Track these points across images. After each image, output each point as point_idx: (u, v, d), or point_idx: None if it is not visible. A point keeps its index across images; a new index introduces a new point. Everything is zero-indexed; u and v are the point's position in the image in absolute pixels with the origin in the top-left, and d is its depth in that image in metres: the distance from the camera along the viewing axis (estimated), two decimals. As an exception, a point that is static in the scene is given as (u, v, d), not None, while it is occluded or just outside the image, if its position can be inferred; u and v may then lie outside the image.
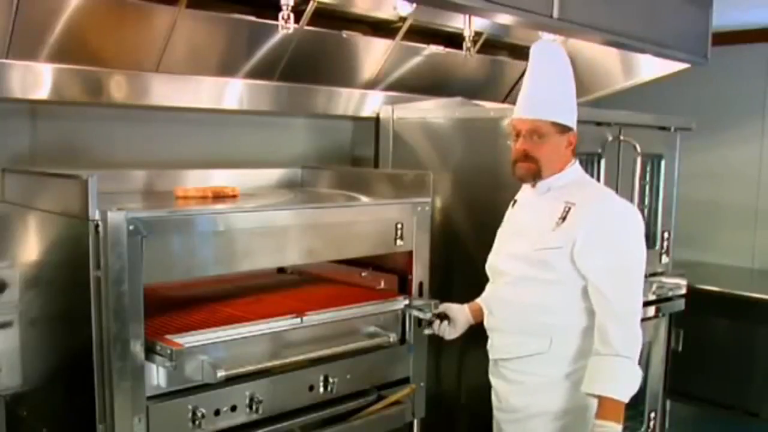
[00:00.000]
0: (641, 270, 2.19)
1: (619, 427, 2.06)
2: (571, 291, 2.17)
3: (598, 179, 3.07)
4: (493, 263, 2.36)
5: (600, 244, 2.13)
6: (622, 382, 2.08)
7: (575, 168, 2.27)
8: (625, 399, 2.07)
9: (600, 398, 2.08)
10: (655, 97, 3.96)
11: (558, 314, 2.19)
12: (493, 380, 2.35)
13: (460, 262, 2.94)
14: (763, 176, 4.47)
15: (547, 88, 2.19)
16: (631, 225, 2.19)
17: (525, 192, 2.34)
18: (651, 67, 3.71)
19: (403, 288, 2.64)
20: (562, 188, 2.22)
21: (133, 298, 1.90)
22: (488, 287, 2.41)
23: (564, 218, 2.16)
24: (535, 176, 2.23)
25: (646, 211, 3.44)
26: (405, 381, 2.60)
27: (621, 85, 3.85)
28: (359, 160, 3.46)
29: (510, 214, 2.38)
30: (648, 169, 3.39)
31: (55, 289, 2.15)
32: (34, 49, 2.33)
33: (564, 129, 2.19)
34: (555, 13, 2.77)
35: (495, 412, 2.38)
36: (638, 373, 2.09)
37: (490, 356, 2.35)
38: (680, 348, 3.98)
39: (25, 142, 2.50)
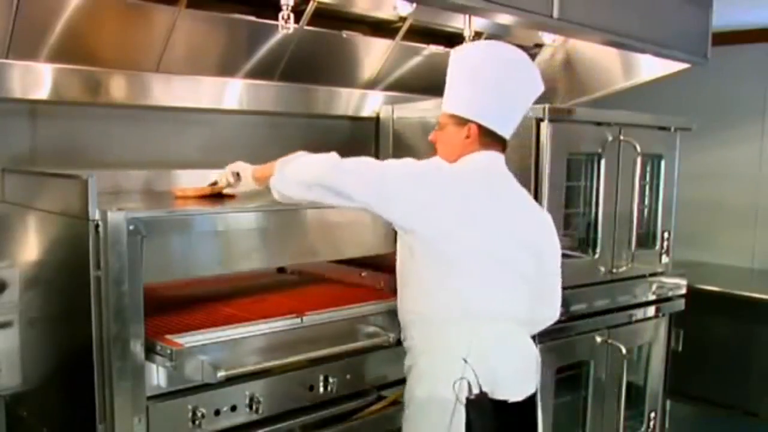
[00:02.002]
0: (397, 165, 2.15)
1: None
2: (408, 277, 2.18)
3: (598, 179, 3.08)
4: None
5: None
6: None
7: (470, 158, 2.20)
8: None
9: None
10: (655, 97, 3.96)
11: (404, 302, 2.22)
12: None
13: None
14: (763, 176, 4.47)
15: (448, 85, 2.25)
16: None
17: None
18: (651, 67, 3.71)
19: (404, 288, 2.64)
20: None
21: (133, 298, 1.89)
22: None
23: None
24: None
25: (646, 211, 3.44)
26: (405, 381, 2.60)
27: (621, 85, 3.85)
28: (359, 160, 3.45)
29: None
30: (648, 169, 3.39)
31: (55, 289, 2.15)
32: (34, 49, 2.33)
33: (461, 121, 2.19)
34: (555, 13, 2.77)
35: None
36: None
37: None
38: (680, 348, 3.99)
39: (25, 142, 2.50)
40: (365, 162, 2.16)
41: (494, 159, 2.21)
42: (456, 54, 2.28)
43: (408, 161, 2.16)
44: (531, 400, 2.19)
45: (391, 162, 2.17)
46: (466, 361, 2.05)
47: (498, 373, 2.08)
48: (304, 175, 2.15)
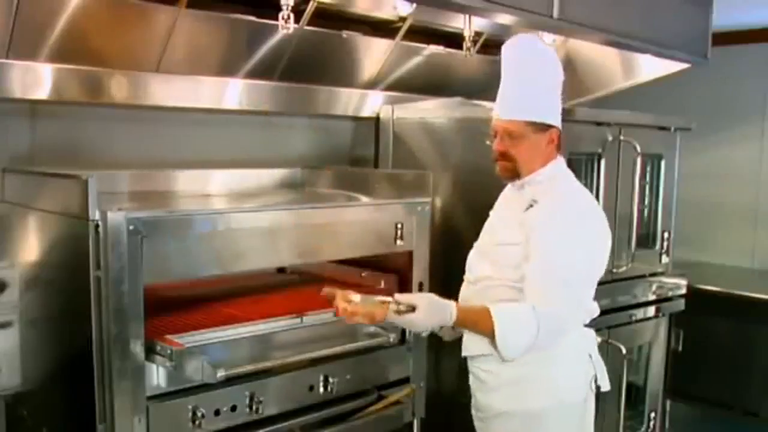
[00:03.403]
0: (583, 259, 2.10)
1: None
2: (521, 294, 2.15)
3: (598, 179, 3.08)
4: (468, 259, 2.37)
5: (544, 226, 2.09)
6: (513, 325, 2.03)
7: (555, 165, 2.22)
8: (497, 336, 2.03)
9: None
10: (655, 97, 3.96)
11: None
12: (470, 377, 2.34)
13: (460, 262, 2.93)
14: (763, 176, 4.47)
15: (519, 87, 2.17)
16: (582, 220, 2.15)
17: (507, 188, 2.34)
18: (651, 67, 3.72)
19: (403, 288, 2.64)
20: (537, 185, 2.20)
21: (133, 298, 1.90)
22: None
23: (526, 214, 2.16)
24: (514, 175, 2.22)
25: (646, 211, 3.44)
26: (405, 381, 2.60)
27: (621, 85, 3.85)
28: (359, 160, 3.46)
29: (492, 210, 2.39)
30: (648, 169, 3.39)
31: (55, 289, 2.15)
32: (34, 49, 2.33)
33: (542, 127, 2.16)
34: (555, 13, 2.77)
35: (472, 409, 2.37)
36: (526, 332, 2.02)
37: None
38: (680, 348, 3.99)
39: (25, 142, 2.50)
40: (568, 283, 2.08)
41: None
42: (518, 50, 2.21)
43: (571, 246, 2.09)
44: None
45: (573, 268, 2.09)
46: (591, 357, 2.24)
47: (601, 366, 2.28)
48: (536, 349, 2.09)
